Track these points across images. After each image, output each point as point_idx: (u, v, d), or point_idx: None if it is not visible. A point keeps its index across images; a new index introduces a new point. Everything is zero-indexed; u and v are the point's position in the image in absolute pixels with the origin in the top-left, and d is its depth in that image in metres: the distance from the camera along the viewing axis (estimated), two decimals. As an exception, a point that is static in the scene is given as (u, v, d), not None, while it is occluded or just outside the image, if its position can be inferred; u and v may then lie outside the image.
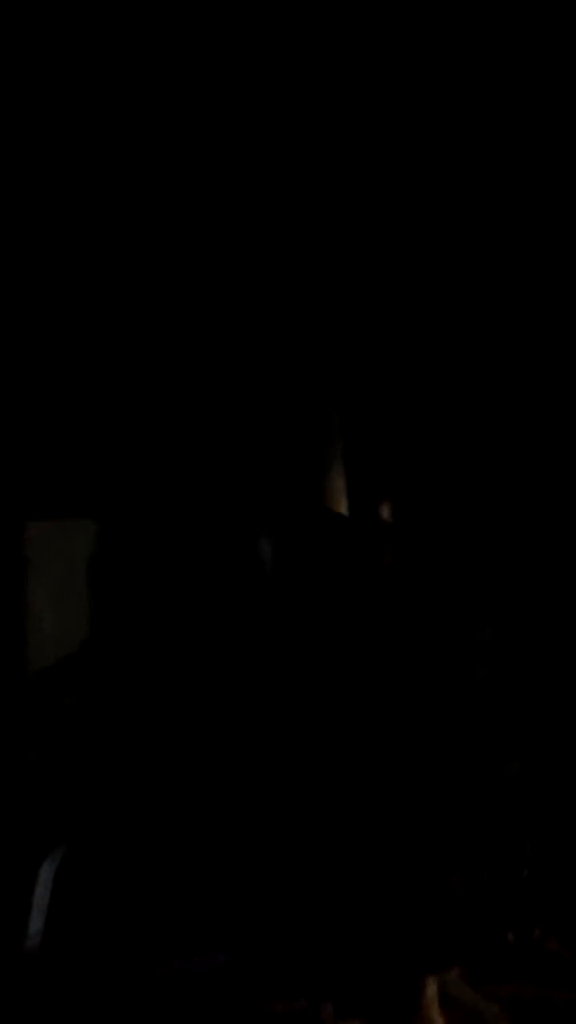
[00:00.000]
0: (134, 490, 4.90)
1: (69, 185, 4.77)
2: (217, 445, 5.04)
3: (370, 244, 4.99)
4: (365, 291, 5.03)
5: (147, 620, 4.68)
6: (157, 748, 4.38)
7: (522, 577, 4.72)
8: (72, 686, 4.48)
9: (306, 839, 4.20)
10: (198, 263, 4.93)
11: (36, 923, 3.63)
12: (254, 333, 5.06)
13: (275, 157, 4.82)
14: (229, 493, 4.98)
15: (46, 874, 3.69)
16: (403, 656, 4.40)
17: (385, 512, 5.10)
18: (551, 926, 3.85)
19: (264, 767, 4.30)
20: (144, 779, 4.31)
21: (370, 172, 4.85)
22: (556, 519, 4.82)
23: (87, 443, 4.90)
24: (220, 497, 4.96)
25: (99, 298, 4.85)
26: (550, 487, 4.89)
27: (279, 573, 4.80)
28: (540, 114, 4.75)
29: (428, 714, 4.35)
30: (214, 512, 4.93)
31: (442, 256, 4.96)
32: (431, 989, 3.67)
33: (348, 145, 4.82)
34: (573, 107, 4.68)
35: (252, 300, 5.00)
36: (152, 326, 4.95)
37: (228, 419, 5.07)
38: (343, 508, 5.15)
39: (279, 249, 4.95)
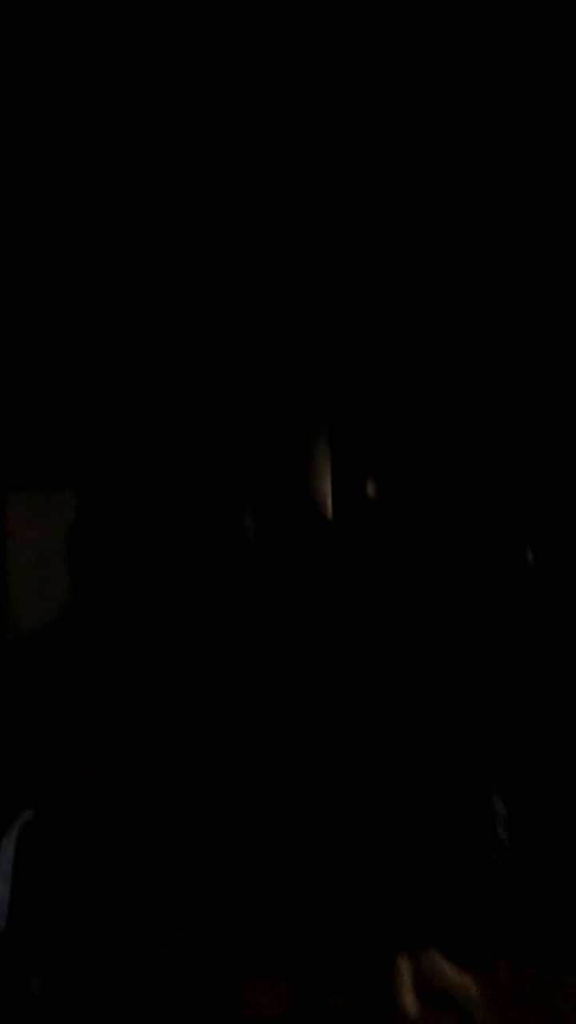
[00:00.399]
0: (118, 461, 4.86)
1: (64, 170, 4.72)
2: (203, 418, 5.00)
3: (356, 228, 4.96)
4: (351, 271, 5.00)
5: (129, 590, 4.65)
6: (136, 719, 4.36)
7: (516, 556, 4.71)
8: (54, 657, 4.45)
9: (280, 815, 4.19)
10: (188, 243, 4.89)
11: (1, 890, 3.60)
12: (242, 309, 5.02)
13: (266, 148, 4.78)
14: (215, 466, 4.95)
15: (8, 842, 3.65)
16: (390, 632, 4.39)
17: (370, 489, 5.09)
18: (534, 910, 3.85)
19: (239, 741, 4.29)
20: (121, 749, 4.28)
21: (356, 160, 4.82)
22: (546, 496, 4.81)
23: (70, 413, 4.86)
24: (205, 470, 4.93)
25: (88, 274, 4.81)
26: (542, 464, 4.88)
27: (263, 545, 4.77)
28: (527, 108, 4.73)
29: (412, 692, 4.34)
30: (199, 484, 4.90)
31: (425, 238, 4.94)
32: (404, 966, 3.66)
33: (333, 134, 4.78)
34: (569, 106, 4.65)
35: (241, 278, 4.96)
36: (140, 300, 4.90)
37: (215, 393, 5.04)
38: (327, 485, 5.12)
39: (268, 232, 4.92)
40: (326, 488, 5.11)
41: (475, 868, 4.04)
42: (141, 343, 4.94)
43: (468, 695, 4.19)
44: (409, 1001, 3.59)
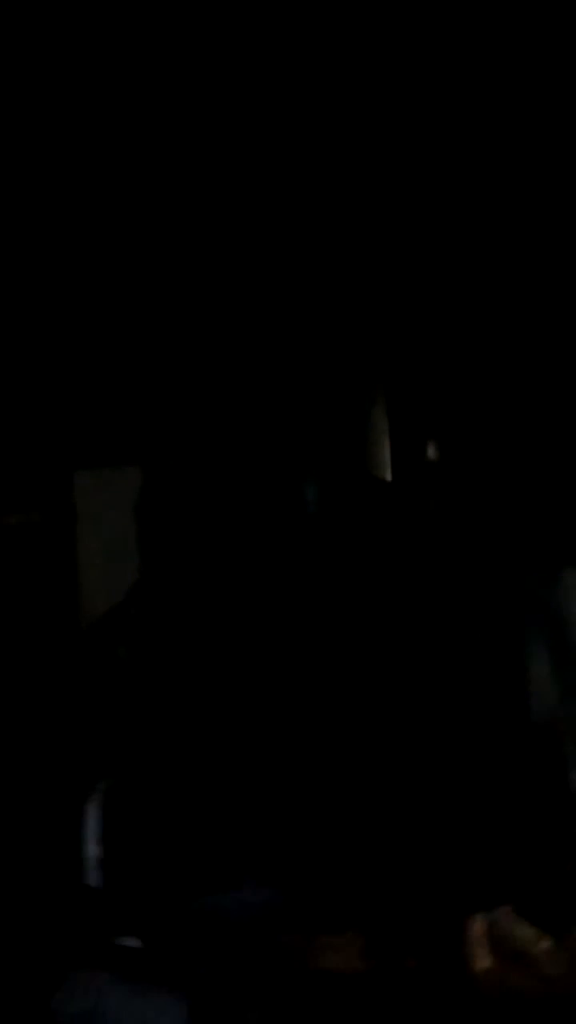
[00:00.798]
0: (181, 438, 4.94)
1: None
2: (263, 393, 5.05)
3: (404, 204, 4.95)
4: (404, 239, 5.00)
5: (196, 568, 4.74)
6: (205, 691, 4.47)
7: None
8: (124, 636, 4.56)
9: (351, 776, 4.27)
10: (243, 227, 4.91)
11: (93, 850, 3.76)
12: (298, 280, 5.04)
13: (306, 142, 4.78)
14: (274, 439, 5.01)
15: (96, 804, 3.81)
16: (447, 606, 4.42)
17: (431, 452, 5.10)
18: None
19: (307, 710, 4.37)
20: (192, 721, 4.40)
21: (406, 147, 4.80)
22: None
23: (133, 392, 4.94)
24: (266, 444, 4.99)
25: (149, 256, 4.86)
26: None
27: (324, 518, 4.83)
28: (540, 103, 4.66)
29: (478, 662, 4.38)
30: (260, 458, 4.96)
31: (473, 216, 4.92)
32: (479, 926, 3.74)
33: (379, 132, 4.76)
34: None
35: (294, 252, 4.98)
36: (202, 280, 4.94)
37: (273, 363, 5.08)
38: (386, 450, 5.15)
39: (316, 210, 4.93)
40: (385, 453, 5.14)
41: (556, 835, 4.06)
42: (200, 319, 5.00)
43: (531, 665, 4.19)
44: (482, 958, 3.67)
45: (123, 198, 4.86)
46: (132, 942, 3.51)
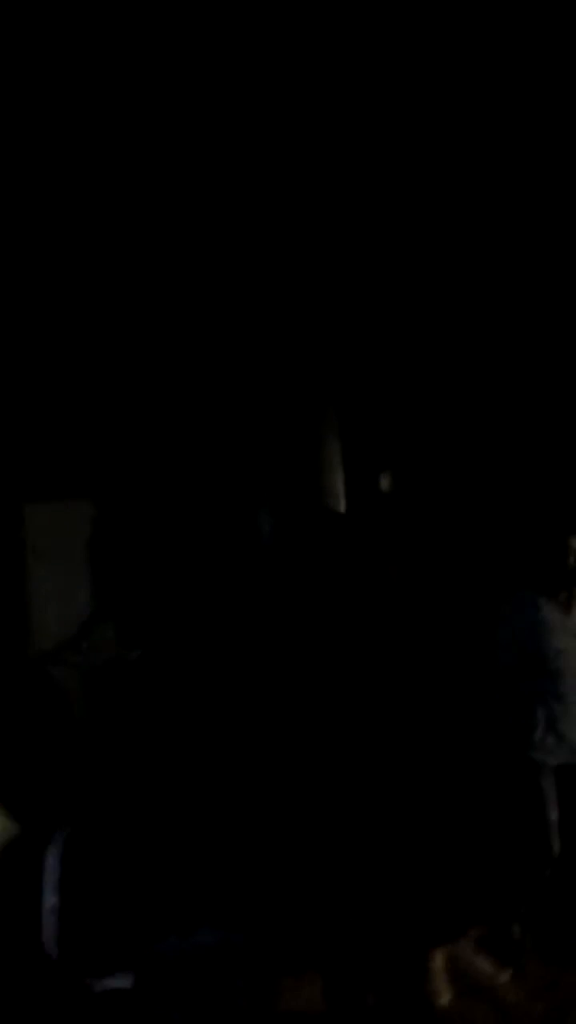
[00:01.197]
0: (132, 468, 4.90)
1: (67, 169, 4.72)
2: (215, 420, 5.03)
3: (363, 228, 4.95)
4: (359, 269, 5.01)
5: (149, 596, 4.70)
6: (160, 725, 4.42)
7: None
8: (75, 665, 4.51)
9: (310, 812, 4.24)
10: (193, 246, 4.89)
11: (50, 899, 3.70)
12: (251, 310, 5.03)
13: (270, 151, 4.76)
14: (228, 468, 4.98)
15: (54, 853, 3.75)
16: (411, 628, 4.40)
17: (384, 483, 5.11)
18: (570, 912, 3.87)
19: (265, 740, 4.33)
20: (147, 757, 4.35)
21: (359, 161, 4.80)
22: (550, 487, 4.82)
23: (86, 426, 4.89)
24: (218, 473, 4.96)
25: (98, 284, 4.82)
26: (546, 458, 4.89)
27: (278, 545, 4.81)
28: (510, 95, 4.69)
29: (438, 690, 4.36)
30: (213, 488, 4.94)
31: (429, 237, 4.93)
32: (439, 960, 3.73)
33: (337, 138, 4.76)
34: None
35: (249, 278, 4.97)
36: (148, 307, 4.92)
37: (226, 395, 5.06)
38: (340, 480, 5.15)
39: (275, 233, 4.91)
40: (338, 483, 5.15)
41: (523, 871, 4.04)
42: (150, 350, 4.97)
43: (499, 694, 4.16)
44: (443, 993, 3.66)
45: (59, 235, 4.81)
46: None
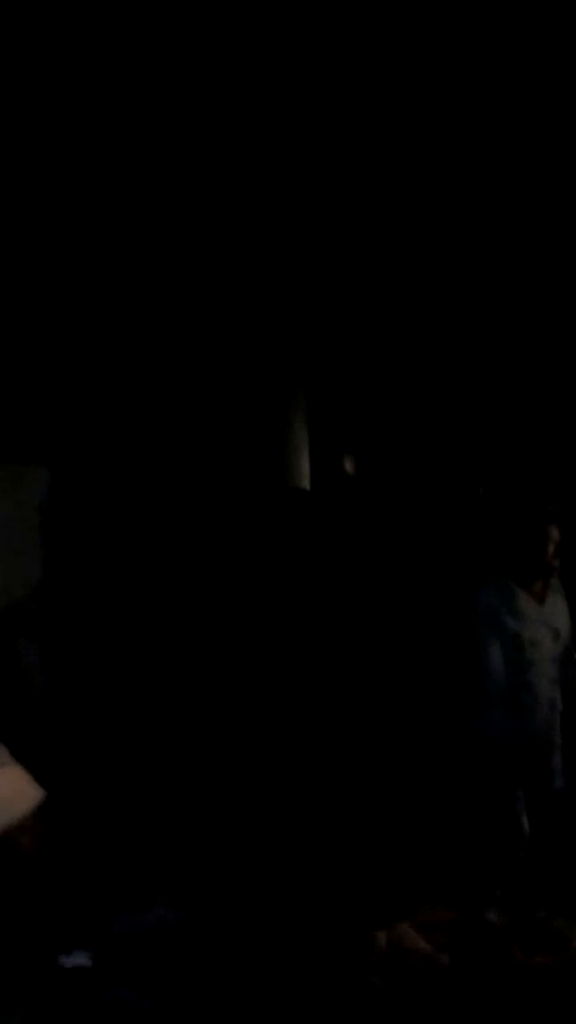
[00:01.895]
0: (91, 438, 4.79)
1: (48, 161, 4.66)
2: (180, 398, 4.94)
3: (332, 214, 4.91)
4: (329, 252, 4.96)
5: (102, 566, 4.56)
6: (112, 692, 4.28)
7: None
8: (24, 629, 4.36)
9: (258, 794, 4.11)
10: (163, 227, 4.83)
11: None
12: (221, 291, 4.96)
13: (236, 136, 4.72)
14: (192, 445, 4.89)
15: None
16: (374, 609, 4.30)
17: (348, 465, 5.02)
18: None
19: (218, 725, 4.20)
20: (99, 725, 4.20)
21: (328, 149, 4.77)
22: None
23: (42, 389, 4.78)
24: (182, 449, 4.86)
25: (53, 251, 4.73)
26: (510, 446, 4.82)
27: (240, 523, 4.70)
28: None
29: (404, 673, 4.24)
30: (176, 463, 4.83)
31: (397, 224, 4.90)
32: (381, 940, 3.55)
33: (300, 127, 4.73)
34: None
35: (219, 258, 4.91)
36: (116, 278, 4.83)
37: (191, 373, 4.98)
38: (306, 462, 5.06)
39: (245, 215, 4.87)
40: (304, 465, 5.05)
41: (493, 854, 3.89)
42: (117, 319, 4.88)
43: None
44: (383, 974, 3.49)
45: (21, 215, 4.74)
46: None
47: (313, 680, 4.28)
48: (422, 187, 4.81)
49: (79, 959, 3.32)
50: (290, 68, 4.57)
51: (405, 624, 4.50)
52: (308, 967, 3.50)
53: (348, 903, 3.70)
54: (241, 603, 4.46)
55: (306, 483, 4.97)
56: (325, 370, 5.11)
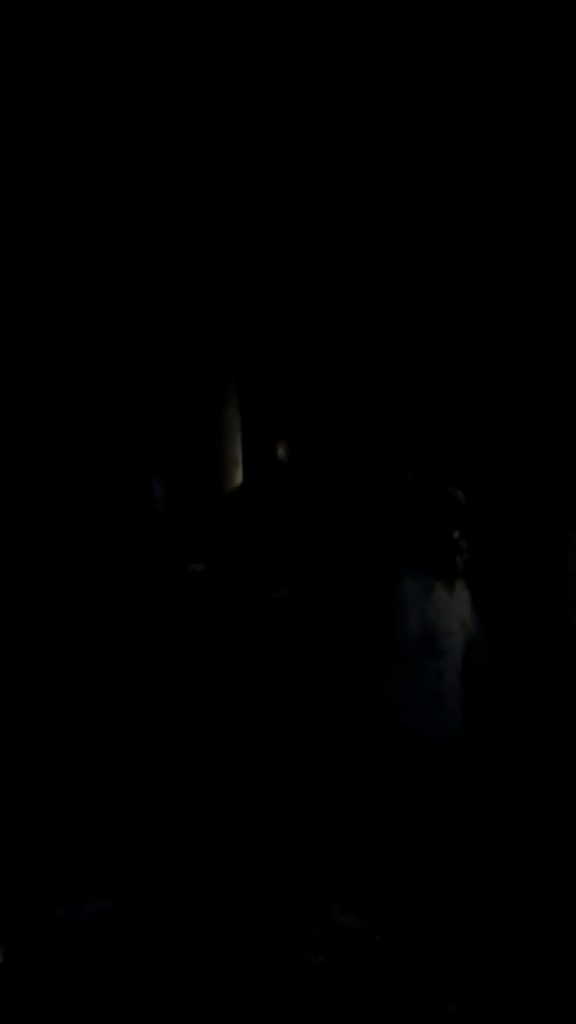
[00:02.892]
0: (22, 432, 4.76)
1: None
2: (111, 386, 4.92)
3: (265, 200, 4.91)
4: (259, 241, 4.96)
5: (36, 562, 4.56)
6: (47, 700, 4.28)
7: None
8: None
9: (187, 784, 4.14)
10: (95, 210, 4.79)
11: None
12: (151, 278, 4.95)
13: (173, 117, 4.70)
14: (123, 433, 4.88)
15: None
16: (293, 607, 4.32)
17: (280, 451, 5.04)
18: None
19: (151, 718, 4.23)
20: (30, 731, 4.20)
21: (259, 133, 4.76)
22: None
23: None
24: (113, 437, 4.85)
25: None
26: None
27: (172, 511, 4.70)
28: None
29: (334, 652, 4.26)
30: (107, 451, 4.83)
31: (330, 210, 4.90)
32: (312, 919, 3.61)
33: (233, 108, 4.71)
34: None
35: (150, 246, 4.89)
36: (41, 265, 4.79)
37: (123, 362, 4.96)
38: (238, 449, 5.08)
39: (178, 202, 4.85)
40: (236, 452, 5.07)
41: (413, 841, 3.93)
42: (48, 308, 4.85)
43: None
44: (316, 954, 3.54)
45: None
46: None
47: (232, 658, 4.33)
48: (347, 173, 4.81)
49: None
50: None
51: (326, 608, 4.54)
52: (245, 950, 3.55)
53: (280, 885, 3.75)
54: (176, 580, 4.48)
55: (239, 469, 4.99)
56: (257, 358, 5.12)
